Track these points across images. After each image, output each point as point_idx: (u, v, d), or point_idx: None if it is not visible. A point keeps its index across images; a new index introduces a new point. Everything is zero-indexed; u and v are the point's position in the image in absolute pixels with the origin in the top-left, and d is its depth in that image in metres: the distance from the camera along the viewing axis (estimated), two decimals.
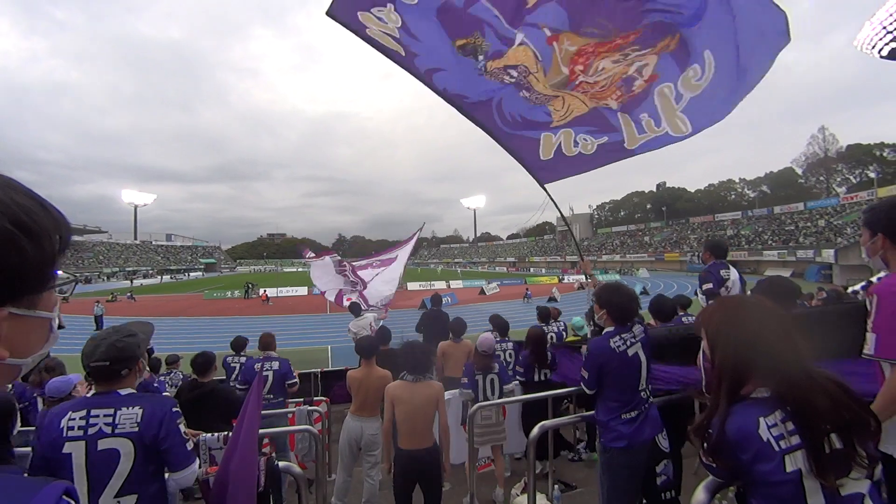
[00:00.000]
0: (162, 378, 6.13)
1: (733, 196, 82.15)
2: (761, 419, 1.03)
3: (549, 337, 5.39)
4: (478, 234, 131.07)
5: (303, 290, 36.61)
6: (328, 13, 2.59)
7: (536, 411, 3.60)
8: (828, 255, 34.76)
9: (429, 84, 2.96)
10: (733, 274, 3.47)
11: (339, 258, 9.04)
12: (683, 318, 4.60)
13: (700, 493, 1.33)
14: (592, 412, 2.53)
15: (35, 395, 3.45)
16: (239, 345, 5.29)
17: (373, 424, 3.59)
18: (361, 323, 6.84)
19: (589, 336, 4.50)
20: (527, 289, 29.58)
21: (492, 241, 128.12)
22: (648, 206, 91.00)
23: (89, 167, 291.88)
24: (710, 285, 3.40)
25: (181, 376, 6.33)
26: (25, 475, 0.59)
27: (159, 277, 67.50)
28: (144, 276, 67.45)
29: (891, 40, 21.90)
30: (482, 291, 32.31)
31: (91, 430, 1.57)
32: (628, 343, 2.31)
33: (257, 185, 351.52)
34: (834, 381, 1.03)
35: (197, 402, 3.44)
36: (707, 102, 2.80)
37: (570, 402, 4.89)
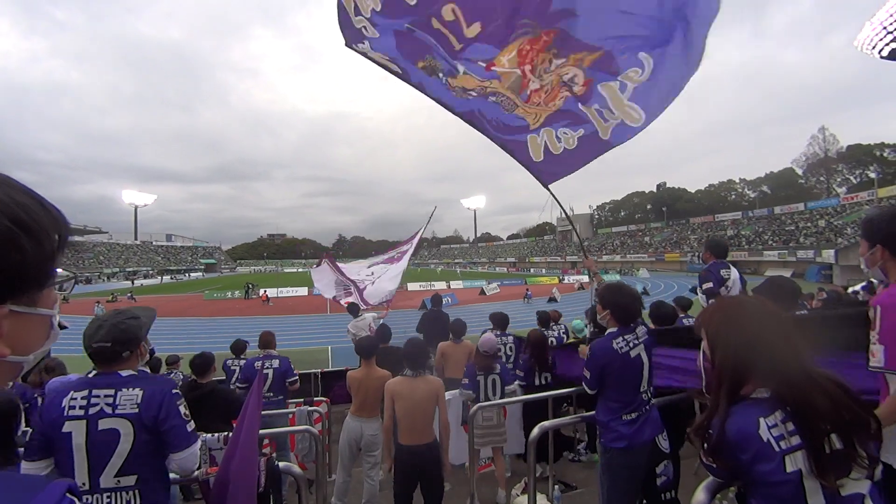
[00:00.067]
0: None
1: (733, 196, 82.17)
2: (761, 419, 1.03)
3: (549, 342, 5.40)
4: (478, 235, 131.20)
5: (303, 291, 36.63)
6: (346, 45, 2.89)
7: (537, 413, 3.60)
8: (828, 255, 34.76)
9: (427, 95, 3.14)
10: (733, 273, 3.47)
11: (331, 259, 9.00)
12: (684, 321, 4.60)
13: (700, 494, 1.33)
14: (592, 412, 2.52)
15: (35, 395, 3.45)
16: (238, 348, 5.29)
17: (373, 425, 3.59)
18: (360, 324, 6.85)
19: (588, 337, 4.49)
20: (527, 289, 29.57)
21: (492, 242, 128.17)
22: (649, 207, 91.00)
23: (89, 167, 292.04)
24: (710, 285, 3.40)
25: (181, 377, 6.33)
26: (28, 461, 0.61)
27: (159, 278, 67.52)
28: (145, 277, 67.49)
29: (891, 40, 21.90)
30: (482, 292, 32.30)
31: (92, 410, 1.57)
32: (631, 344, 2.30)
33: (257, 185, 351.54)
34: (834, 381, 1.03)
35: (196, 402, 3.43)
36: (654, 89, 2.87)
37: (570, 405, 4.89)
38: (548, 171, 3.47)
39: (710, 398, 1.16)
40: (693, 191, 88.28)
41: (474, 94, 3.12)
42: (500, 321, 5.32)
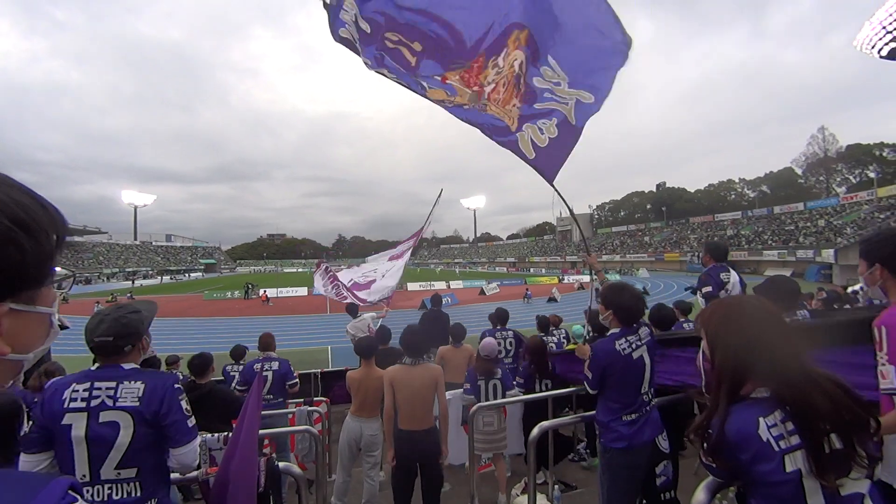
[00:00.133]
0: None
1: (733, 196, 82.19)
2: (761, 419, 1.03)
3: (549, 347, 5.39)
4: (478, 235, 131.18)
5: (303, 291, 36.62)
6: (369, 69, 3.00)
7: (537, 414, 3.59)
8: (828, 255, 34.79)
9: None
10: (733, 277, 3.47)
11: (326, 266, 8.95)
12: (684, 325, 4.59)
13: (700, 494, 1.33)
14: (592, 412, 2.52)
15: (35, 399, 3.45)
16: (238, 354, 5.28)
17: (372, 425, 3.59)
18: (359, 324, 6.84)
19: (587, 340, 4.48)
20: (527, 289, 29.59)
21: (492, 242, 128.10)
22: (648, 207, 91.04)
23: (89, 168, 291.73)
24: (709, 288, 3.39)
25: (180, 377, 6.32)
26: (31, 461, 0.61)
27: (159, 278, 67.52)
28: (144, 277, 67.48)
29: (890, 40, 21.92)
30: (482, 292, 32.31)
31: (93, 402, 1.57)
32: (634, 346, 2.28)
33: (257, 185, 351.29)
34: (833, 381, 1.03)
35: (195, 403, 3.42)
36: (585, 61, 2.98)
37: (570, 409, 4.88)
38: (544, 166, 3.49)
39: (709, 398, 1.17)
40: (693, 190, 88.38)
41: (450, 104, 3.23)
42: (500, 317, 5.33)
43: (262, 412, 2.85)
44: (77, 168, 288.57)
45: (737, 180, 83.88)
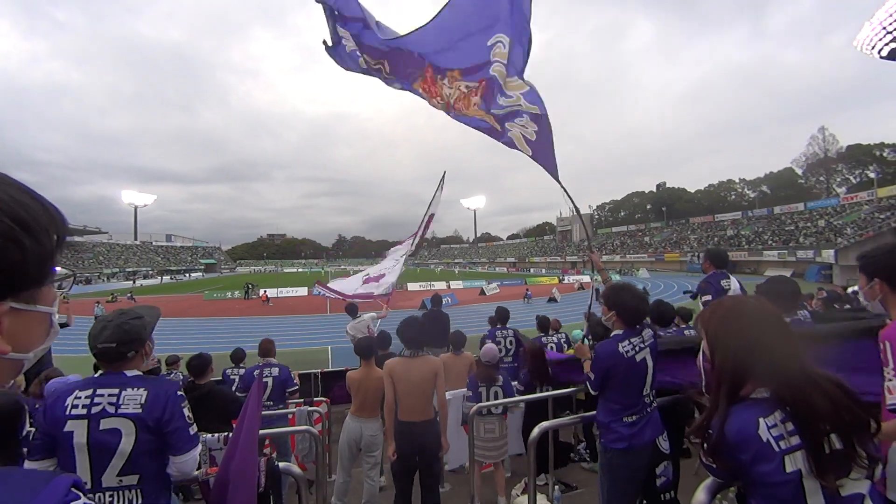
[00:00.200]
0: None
1: (733, 196, 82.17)
2: (761, 420, 1.03)
3: (548, 348, 5.38)
4: (478, 235, 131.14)
5: (303, 291, 36.62)
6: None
7: (537, 416, 3.58)
8: (828, 255, 34.77)
9: None
10: (734, 284, 3.47)
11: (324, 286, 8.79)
12: (685, 332, 4.58)
13: (700, 494, 1.32)
14: (593, 412, 2.52)
15: (36, 405, 3.45)
16: (238, 357, 5.28)
17: (373, 425, 3.59)
18: (359, 325, 6.82)
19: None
20: (527, 289, 29.56)
21: (492, 242, 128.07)
22: (648, 207, 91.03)
23: (89, 168, 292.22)
24: (709, 297, 3.39)
25: (181, 377, 6.32)
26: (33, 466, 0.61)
27: (159, 278, 67.50)
28: (145, 277, 67.46)
29: (890, 41, 21.92)
30: (482, 292, 32.30)
31: (94, 410, 1.57)
32: (637, 348, 2.26)
33: (257, 185, 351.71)
34: (833, 381, 1.03)
35: (194, 403, 3.42)
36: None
37: (570, 413, 4.87)
38: (544, 161, 3.54)
39: (709, 398, 1.16)
40: (693, 191, 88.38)
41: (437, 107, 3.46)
42: (500, 316, 5.31)
43: (262, 413, 2.84)
44: (77, 168, 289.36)
45: (737, 180, 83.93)
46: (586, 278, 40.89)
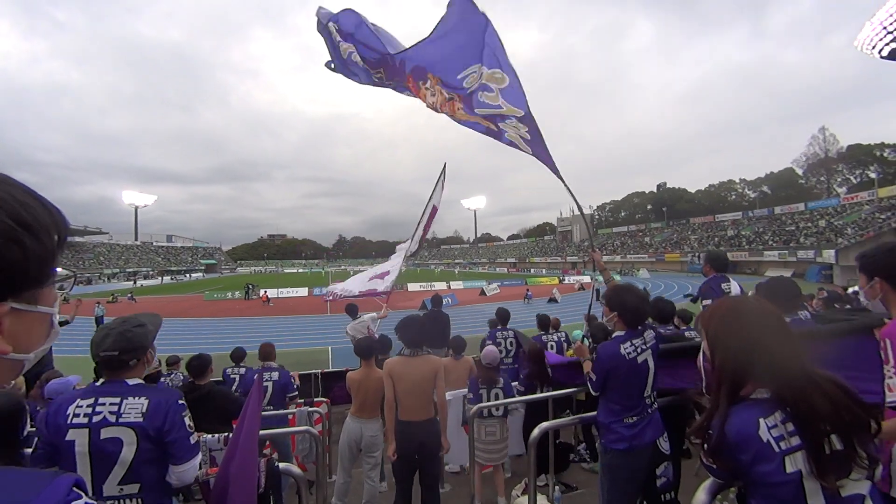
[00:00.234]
0: (162, 379, 6.13)
1: (734, 196, 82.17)
2: (761, 420, 1.02)
3: (548, 346, 5.38)
4: (478, 235, 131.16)
5: (303, 291, 36.65)
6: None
7: (538, 416, 3.58)
8: (828, 255, 34.73)
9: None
10: (734, 287, 3.47)
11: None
12: (686, 333, 4.57)
13: (701, 495, 1.32)
14: (593, 413, 2.52)
15: (38, 408, 3.45)
16: (238, 356, 5.27)
17: (373, 426, 3.59)
18: (359, 326, 6.82)
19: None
20: (527, 289, 29.55)
21: (492, 242, 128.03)
22: (649, 207, 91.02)
23: (90, 168, 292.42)
24: (709, 302, 3.40)
25: (181, 377, 6.32)
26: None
27: (160, 278, 67.56)
28: (145, 277, 67.51)
29: (891, 40, 21.90)
30: (483, 292, 32.29)
31: (95, 419, 1.57)
32: (639, 350, 2.25)
33: (258, 186, 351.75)
34: (834, 382, 1.03)
35: (194, 404, 3.42)
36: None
37: (570, 412, 4.87)
38: (544, 158, 3.57)
39: (710, 399, 1.16)
40: (693, 191, 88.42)
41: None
42: (501, 317, 5.32)
43: (263, 414, 2.84)
44: (77, 168, 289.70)
45: (737, 181, 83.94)
46: (587, 279, 40.88)
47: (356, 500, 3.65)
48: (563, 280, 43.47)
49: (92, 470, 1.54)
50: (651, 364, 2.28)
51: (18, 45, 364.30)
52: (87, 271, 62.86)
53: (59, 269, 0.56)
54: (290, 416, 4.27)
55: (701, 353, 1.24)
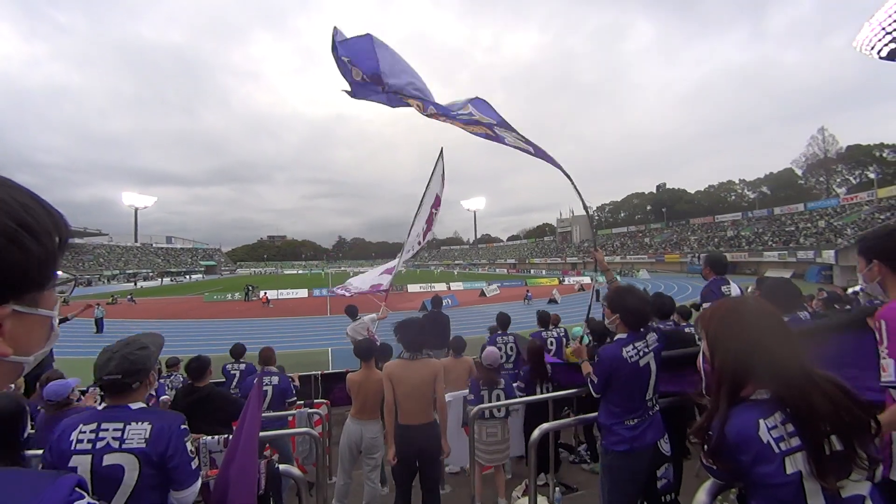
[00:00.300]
0: (162, 381, 6.12)
1: (733, 197, 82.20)
2: (761, 421, 1.02)
3: (548, 342, 5.38)
4: (478, 236, 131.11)
5: (303, 293, 36.64)
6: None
7: (538, 417, 3.58)
8: (828, 255, 34.72)
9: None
10: (734, 290, 3.49)
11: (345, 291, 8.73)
12: (686, 330, 4.58)
13: (701, 496, 1.32)
14: (594, 414, 2.51)
15: (39, 407, 3.45)
16: (238, 352, 5.27)
17: (373, 427, 3.58)
18: (359, 327, 6.82)
19: (583, 342, 4.47)
20: (527, 290, 29.55)
21: (492, 243, 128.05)
22: (648, 208, 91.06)
23: (90, 170, 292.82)
24: (709, 305, 3.41)
25: (181, 379, 6.32)
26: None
27: (160, 280, 67.51)
28: (145, 279, 67.47)
29: (890, 41, 21.95)
30: (483, 293, 32.28)
31: (99, 444, 1.57)
32: (641, 353, 2.23)
33: (258, 187, 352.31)
34: (834, 382, 1.03)
35: (194, 406, 3.43)
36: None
37: (570, 410, 4.87)
38: (547, 157, 3.62)
39: (710, 400, 1.16)
40: (693, 192, 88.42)
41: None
42: (501, 322, 5.32)
43: (263, 416, 2.84)
44: (78, 170, 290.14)
45: (737, 181, 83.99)
46: (587, 279, 40.88)
47: (356, 502, 3.64)
48: (563, 281, 43.46)
49: (94, 496, 1.53)
50: (653, 367, 2.27)
51: (20, 47, 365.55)
52: (86, 273, 62.83)
53: (59, 273, 0.56)
54: (290, 418, 4.27)
55: (701, 355, 1.24)
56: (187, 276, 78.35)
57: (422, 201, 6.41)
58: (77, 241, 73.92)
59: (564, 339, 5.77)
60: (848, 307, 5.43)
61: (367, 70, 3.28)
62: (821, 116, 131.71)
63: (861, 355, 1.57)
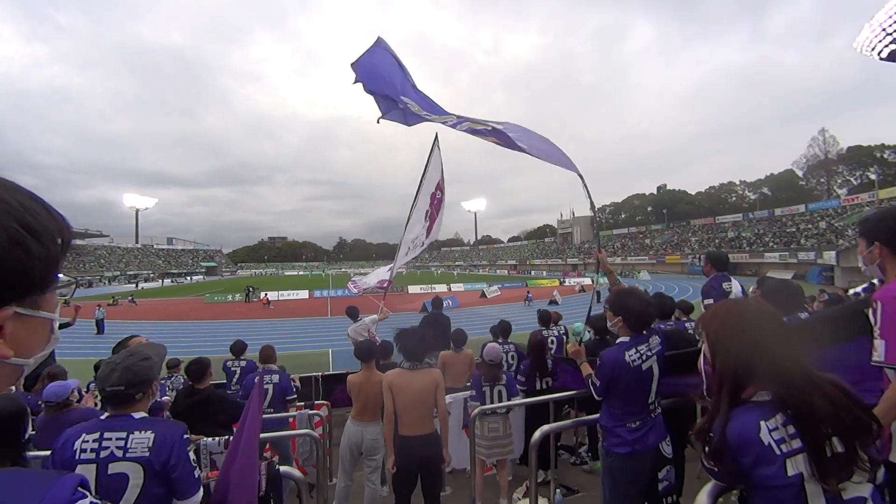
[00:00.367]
0: (163, 382, 6.13)
1: (734, 198, 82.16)
2: (762, 423, 1.02)
3: (549, 341, 5.39)
4: (478, 237, 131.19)
5: (303, 294, 36.66)
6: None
7: (538, 417, 3.58)
8: (829, 256, 34.67)
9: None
10: (735, 286, 3.47)
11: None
12: (686, 325, 4.58)
13: (702, 498, 1.32)
14: (593, 416, 2.51)
15: (39, 402, 3.46)
16: (238, 349, 5.28)
17: (373, 429, 3.58)
18: (359, 328, 6.82)
19: (583, 340, 4.47)
20: (528, 292, 29.53)
21: (492, 244, 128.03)
22: (649, 209, 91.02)
23: (91, 171, 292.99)
24: (710, 301, 3.39)
25: (182, 380, 6.32)
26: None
27: (160, 281, 67.60)
28: (146, 280, 67.55)
29: (890, 42, 21.95)
30: (483, 294, 32.27)
31: (103, 454, 1.58)
32: (644, 357, 2.21)
33: (258, 188, 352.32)
34: (835, 384, 1.02)
35: (194, 408, 3.43)
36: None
37: (571, 408, 4.87)
38: (555, 156, 3.63)
39: (710, 401, 1.16)
40: (693, 193, 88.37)
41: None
42: (502, 329, 5.33)
43: (263, 417, 2.84)
44: (78, 171, 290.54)
45: (737, 182, 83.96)
46: (587, 281, 40.83)
47: None
48: (564, 282, 43.42)
49: None
50: (656, 371, 2.25)
51: (20, 49, 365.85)
52: (87, 274, 62.93)
53: (61, 276, 0.57)
54: (291, 419, 4.28)
55: (702, 356, 1.24)
56: (188, 278, 78.42)
57: (420, 186, 6.24)
58: (78, 242, 74.06)
59: (565, 338, 5.77)
60: None
61: (386, 92, 3.41)
62: (821, 117, 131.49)
63: (862, 360, 1.57)
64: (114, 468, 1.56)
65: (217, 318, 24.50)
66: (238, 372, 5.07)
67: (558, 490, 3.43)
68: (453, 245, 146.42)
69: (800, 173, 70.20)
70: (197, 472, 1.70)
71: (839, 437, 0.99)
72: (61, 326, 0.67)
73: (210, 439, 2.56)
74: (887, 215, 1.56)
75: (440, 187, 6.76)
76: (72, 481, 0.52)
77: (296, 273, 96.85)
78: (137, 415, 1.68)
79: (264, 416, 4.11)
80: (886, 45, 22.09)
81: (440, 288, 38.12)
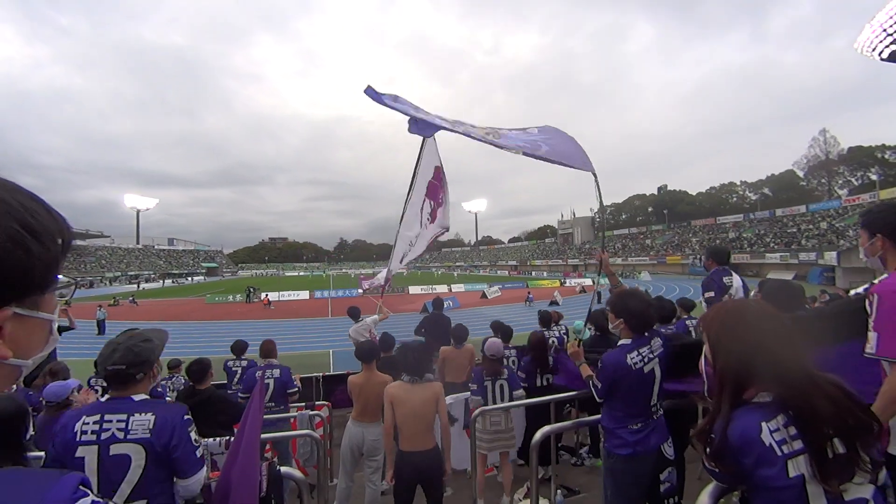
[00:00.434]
0: (164, 382, 6.13)
1: (735, 199, 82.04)
2: (763, 424, 1.02)
3: (550, 342, 5.39)
4: (479, 238, 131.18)
5: (304, 294, 36.67)
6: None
7: (539, 416, 3.58)
8: (830, 257, 34.62)
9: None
10: (736, 280, 3.44)
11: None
12: (687, 322, 4.59)
13: (704, 499, 1.32)
14: (594, 416, 2.50)
15: (40, 398, 3.46)
16: (239, 349, 5.29)
17: (374, 430, 3.57)
18: (361, 329, 6.82)
19: (583, 337, 4.47)
20: (528, 292, 29.51)
21: (493, 245, 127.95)
22: (650, 210, 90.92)
23: (92, 172, 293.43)
24: (711, 294, 3.37)
25: (182, 381, 6.32)
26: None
27: (161, 282, 67.65)
28: (147, 281, 67.61)
29: (891, 42, 21.94)
30: (484, 295, 32.24)
31: (104, 435, 1.58)
32: (646, 359, 2.20)
33: (259, 189, 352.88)
34: (836, 384, 1.02)
35: (195, 408, 3.42)
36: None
37: (572, 407, 4.87)
38: (579, 161, 3.63)
39: (712, 402, 1.16)
40: (694, 193, 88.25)
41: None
42: (503, 332, 5.33)
43: (264, 416, 2.84)
44: (79, 172, 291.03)
45: (738, 183, 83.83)
46: (588, 281, 40.81)
47: None
48: (565, 283, 43.37)
49: (99, 487, 1.55)
50: (658, 373, 2.25)
51: (21, 50, 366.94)
52: (88, 274, 63.01)
53: (60, 277, 0.57)
54: (292, 420, 4.28)
55: (703, 357, 1.23)
56: (189, 278, 78.45)
57: (413, 179, 6.10)
58: (79, 242, 74.18)
59: (566, 338, 5.77)
60: None
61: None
62: (821, 117, 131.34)
63: (863, 362, 1.57)
64: (115, 449, 1.57)
65: (218, 318, 24.49)
66: (239, 372, 5.07)
67: (559, 491, 3.43)
68: (454, 246, 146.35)
69: (800, 174, 70.16)
70: (199, 451, 1.70)
71: (841, 438, 0.99)
72: (62, 330, 0.67)
73: (211, 440, 2.56)
74: (890, 208, 1.57)
75: (438, 176, 6.66)
76: (73, 480, 0.52)
77: (296, 273, 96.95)
78: (138, 397, 1.69)
79: (266, 410, 4.13)
80: (887, 46, 22.08)
81: (441, 288, 38.10)
